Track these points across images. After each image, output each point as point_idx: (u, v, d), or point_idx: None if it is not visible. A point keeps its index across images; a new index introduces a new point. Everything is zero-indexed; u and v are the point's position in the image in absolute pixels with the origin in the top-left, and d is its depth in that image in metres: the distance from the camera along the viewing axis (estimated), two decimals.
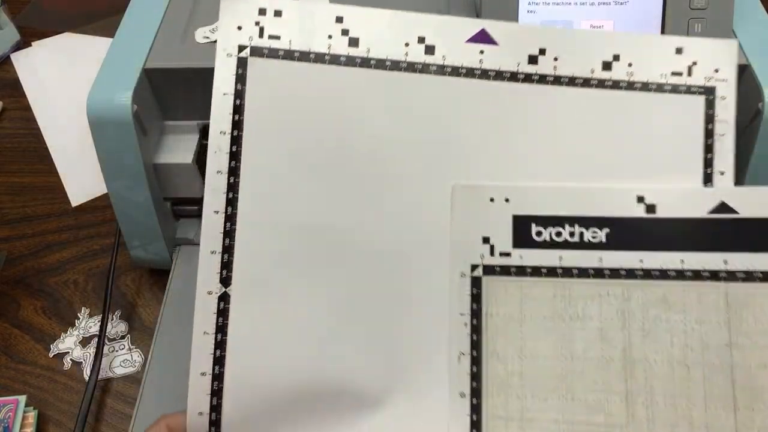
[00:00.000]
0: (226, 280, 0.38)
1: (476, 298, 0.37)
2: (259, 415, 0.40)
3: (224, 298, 0.38)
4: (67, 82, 0.74)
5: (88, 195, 0.63)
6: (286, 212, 0.38)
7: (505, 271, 0.36)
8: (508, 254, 0.36)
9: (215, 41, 0.42)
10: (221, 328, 0.39)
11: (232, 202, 0.38)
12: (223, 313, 0.38)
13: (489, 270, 0.36)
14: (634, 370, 0.34)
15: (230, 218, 0.38)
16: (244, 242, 0.38)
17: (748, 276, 0.33)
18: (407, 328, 0.38)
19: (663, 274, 0.34)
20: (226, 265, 0.38)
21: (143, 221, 0.49)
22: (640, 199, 0.35)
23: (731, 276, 0.33)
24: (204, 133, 0.48)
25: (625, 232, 0.35)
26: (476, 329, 0.36)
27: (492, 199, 0.36)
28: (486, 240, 0.36)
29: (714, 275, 0.34)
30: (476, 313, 0.37)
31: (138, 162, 0.45)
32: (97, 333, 0.52)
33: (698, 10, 0.33)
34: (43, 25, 0.82)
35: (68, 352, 0.52)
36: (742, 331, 0.33)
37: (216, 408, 0.39)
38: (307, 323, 0.39)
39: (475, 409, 0.36)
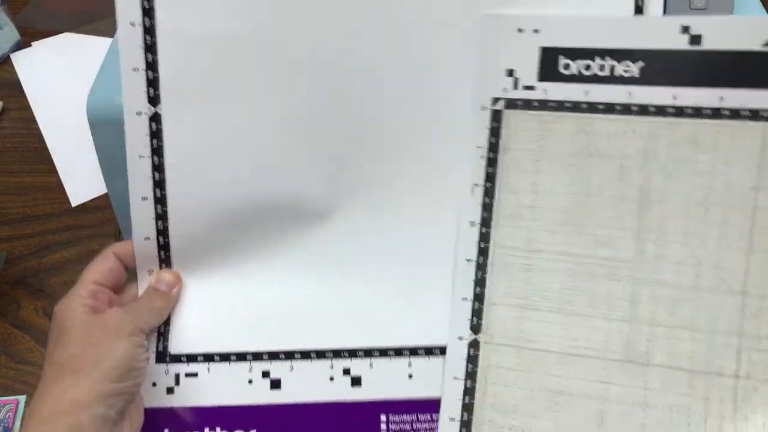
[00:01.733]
0: (154, 100, 0.37)
1: (495, 131, 0.36)
2: (207, 235, 0.38)
3: (155, 118, 0.37)
4: (67, 82, 0.75)
5: (88, 195, 0.64)
6: (212, 17, 0.36)
7: (527, 105, 0.36)
8: (531, 87, 0.35)
9: None
10: (156, 150, 0.37)
11: (148, 12, 0.36)
12: (156, 135, 0.37)
13: (511, 104, 0.36)
14: (649, 209, 0.34)
15: (149, 30, 0.36)
16: (168, 56, 0.36)
17: None
18: (359, 146, 0.38)
19: (696, 113, 0.33)
20: (152, 83, 0.36)
21: None
22: (685, 29, 0.33)
23: None
24: None
25: (661, 66, 0.34)
26: (492, 162, 0.36)
27: (520, 30, 0.36)
28: (510, 72, 0.36)
29: (755, 114, 0.33)
30: (494, 147, 0.36)
31: None
32: None
33: (698, 10, 0.37)
34: (43, 25, 0.83)
35: None
36: None
37: (162, 232, 0.38)
38: (246, 137, 0.37)
39: (484, 237, 0.36)
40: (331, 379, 0.38)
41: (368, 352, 0.38)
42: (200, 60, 0.37)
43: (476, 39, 0.36)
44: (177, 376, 0.38)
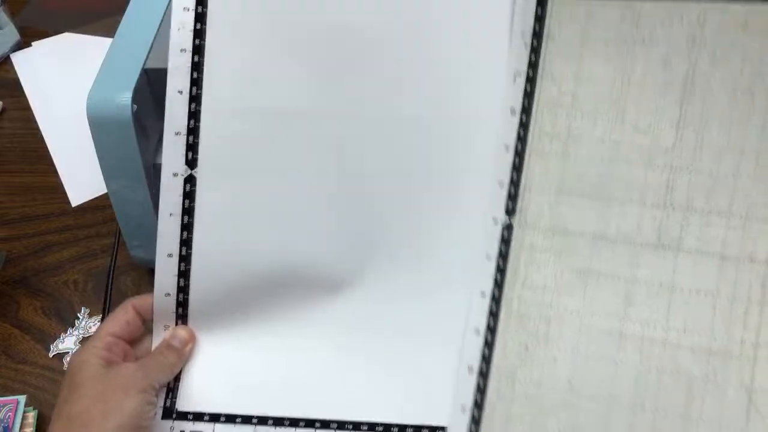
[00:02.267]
0: (192, 163, 0.38)
1: (539, 18, 0.37)
2: (225, 297, 0.39)
3: (190, 180, 0.38)
4: (67, 82, 0.74)
5: (88, 195, 0.63)
6: (255, 94, 0.38)
7: None
8: None
9: None
10: (188, 211, 0.39)
11: (196, 82, 0.38)
12: (189, 195, 0.38)
13: None
14: (693, 96, 0.34)
15: (195, 99, 0.38)
16: (211, 123, 0.38)
17: None
18: (378, 216, 0.39)
19: None
20: (192, 147, 0.38)
21: (143, 221, 0.49)
22: None
23: None
24: None
25: None
26: (535, 50, 0.37)
27: None
28: None
29: None
30: (537, 35, 0.37)
31: (138, 162, 0.45)
32: None
33: None
34: (43, 25, 0.82)
35: (68, 352, 0.53)
36: None
37: (183, 289, 0.39)
38: (275, 207, 0.39)
39: (524, 125, 0.37)
40: None
41: (372, 427, 0.39)
42: (239, 131, 0.39)
43: None
44: None
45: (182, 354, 0.38)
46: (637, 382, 0.36)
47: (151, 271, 0.56)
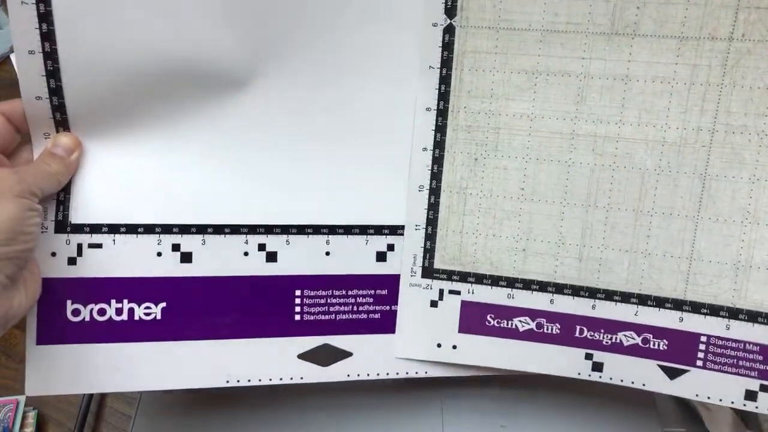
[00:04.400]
0: None
1: None
2: (109, 98, 0.35)
3: None
4: None
5: None
6: None
7: None
8: None
9: None
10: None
11: None
12: None
13: None
14: None
15: None
16: None
17: None
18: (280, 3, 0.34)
19: None
20: None
21: None
22: None
23: None
24: None
25: None
26: None
27: None
28: None
29: None
30: None
31: None
32: None
33: None
34: None
35: None
36: None
37: (56, 91, 0.34)
38: None
39: None
40: (246, 254, 0.37)
41: (285, 229, 0.37)
42: None
43: None
44: (79, 247, 0.36)
45: (67, 163, 0.35)
46: (589, 181, 0.35)
47: None
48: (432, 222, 0.37)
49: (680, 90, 0.33)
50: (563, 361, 0.37)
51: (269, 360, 0.37)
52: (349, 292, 0.38)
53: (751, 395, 0.35)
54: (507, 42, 0.34)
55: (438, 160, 0.37)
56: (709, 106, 0.33)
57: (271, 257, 0.37)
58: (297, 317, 0.38)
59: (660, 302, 0.35)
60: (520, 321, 0.37)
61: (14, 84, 0.70)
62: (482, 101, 0.35)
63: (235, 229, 0.37)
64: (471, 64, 0.35)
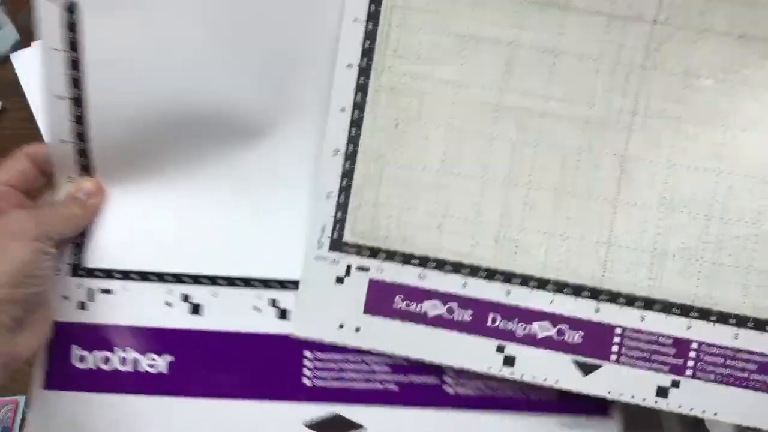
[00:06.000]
0: None
1: None
2: (132, 145, 0.34)
3: (71, 9, 0.32)
4: None
5: None
6: None
7: None
8: None
9: None
10: (72, 45, 0.33)
11: None
12: (72, 27, 0.32)
13: None
14: None
15: None
16: None
17: None
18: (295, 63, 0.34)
19: None
20: None
21: None
22: None
23: None
24: None
25: None
26: None
27: None
28: None
29: None
30: None
31: None
32: None
33: None
34: None
35: None
36: None
37: (82, 136, 0.34)
38: (175, 39, 0.33)
39: None
40: (257, 309, 0.35)
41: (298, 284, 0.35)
42: None
43: None
44: (90, 292, 0.35)
45: (87, 207, 0.35)
46: (512, 157, 0.34)
47: None
48: (345, 190, 0.34)
49: (606, 69, 0.33)
50: (473, 353, 0.34)
51: (274, 426, 0.34)
52: (365, 359, 0.35)
53: (662, 392, 0.33)
54: (439, 1, 0.33)
55: (357, 123, 0.34)
56: (632, 88, 0.33)
57: (283, 315, 0.35)
58: (306, 382, 0.34)
59: (577, 290, 0.34)
60: (431, 304, 0.34)
61: (14, 84, 0.71)
62: (408, 62, 0.34)
63: (247, 282, 0.35)
64: (400, 20, 0.33)
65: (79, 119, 0.34)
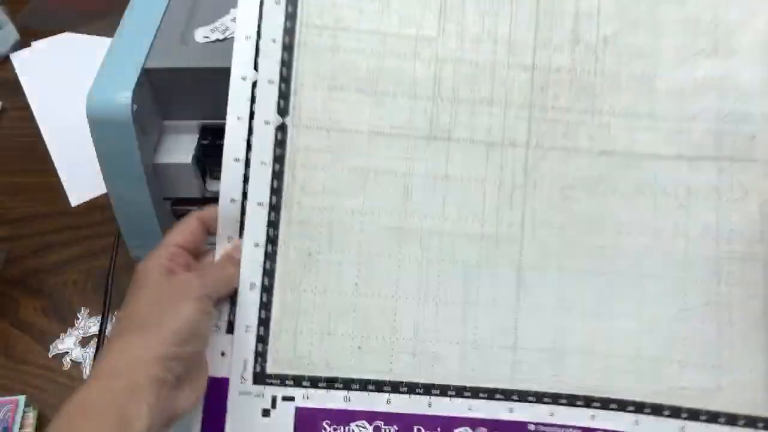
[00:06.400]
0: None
1: None
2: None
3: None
4: (67, 82, 0.70)
5: (88, 195, 0.65)
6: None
7: None
8: None
9: (215, 41, 0.44)
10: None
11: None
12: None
13: None
14: None
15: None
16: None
17: None
18: None
19: None
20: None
21: (143, 221, 0.48)
22: None
23: None
24: (204, 133, 0.47)
25: None
26: None
27: None
28: None
29: None
30: None
31: (138, 162, 0.44)
32: (97, 333, 0.53)
33: None
34: (43, 25, 0.84)
35: (68, 352, 0.54)
36: None
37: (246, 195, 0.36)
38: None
39: (290, 16, 0.36)
40: None
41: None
42: None
43: None
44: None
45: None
46: (419, 274, 0.36)
47: None
48: (264, 323, 0.36)
49: (491, 190, 0.37)
50: None
51: None
52: None
53: None
54: (338, 141, 0.36)
55: (271, 256, 0.36)
56: (517, 204, 0.37)
57: None
58: None
59: (491, 393, 0.36)
60: (357, 426, 0.35)
61: (14, 84, 0.74)
62: (315, 197, 0.36)
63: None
64: (303, 160, 0.36)
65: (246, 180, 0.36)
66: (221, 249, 0.36)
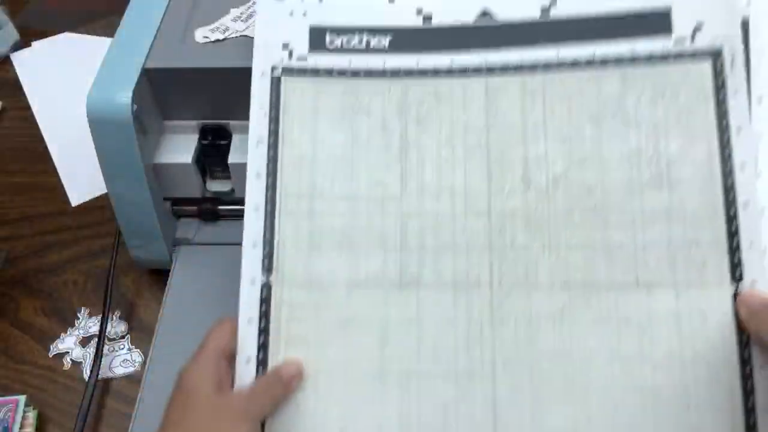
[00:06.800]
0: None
1: (276, 94, 0.41)
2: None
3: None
4: (67, 82, 0.72)
5: (88, 195, 0.64)
6: None
7: (302, 72, 0.41)
8: (304, 59, 0.41)
9: (215, 41, 0.45)
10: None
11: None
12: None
13: (288, 71, 0.40)
14: (408, 153, 0.41)
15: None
16: None
17: (503, 69, 0.40)
18: None
19: (434, 73, 0.41)
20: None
21: (143, 221, 0.49)
22: (419, 11, 0.42)
23: (489, 71, 0.40)
24: (203, 133, 0.48)
25: (405, 39, 0.42)
26: (275, 119, 0.41)
27: (291, 13, 0.41)
28: (285, 46, 0.41)
29: (477, 71, 0.41)
30: (275, 105, 0.41)
31: (138, 162, 0.45)
32: (97, 333, 0.52)
33: None
34: (43, 25, 0.83)
35: (68, 352, 0.53)
36: (497, 115, 0.40)
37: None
38: None
39: (271, 187, 0.40)
40: None
41: None
42: None
43: (256, 20, 0.41)
44: None
45: (289, 388, 0.38)
46: (400, 416, 0.39)
47: (152, 271, 0.57)
48: None
49: (461, 329, 0.39)
50: None
51: None
52: None
53: None
54: (318, 296, 0.39)
55: None
56: (487, 341, 0.39)
57: None
58: None
59: None
60: None
61: (14, 84, 0.76)
62: (300, 350, 0.39)
63: None
64: (287, 315, 0.39)
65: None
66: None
